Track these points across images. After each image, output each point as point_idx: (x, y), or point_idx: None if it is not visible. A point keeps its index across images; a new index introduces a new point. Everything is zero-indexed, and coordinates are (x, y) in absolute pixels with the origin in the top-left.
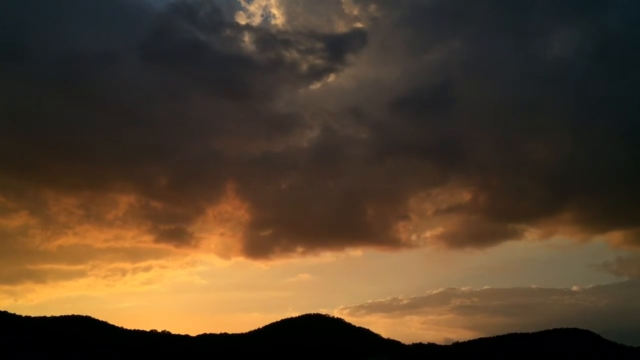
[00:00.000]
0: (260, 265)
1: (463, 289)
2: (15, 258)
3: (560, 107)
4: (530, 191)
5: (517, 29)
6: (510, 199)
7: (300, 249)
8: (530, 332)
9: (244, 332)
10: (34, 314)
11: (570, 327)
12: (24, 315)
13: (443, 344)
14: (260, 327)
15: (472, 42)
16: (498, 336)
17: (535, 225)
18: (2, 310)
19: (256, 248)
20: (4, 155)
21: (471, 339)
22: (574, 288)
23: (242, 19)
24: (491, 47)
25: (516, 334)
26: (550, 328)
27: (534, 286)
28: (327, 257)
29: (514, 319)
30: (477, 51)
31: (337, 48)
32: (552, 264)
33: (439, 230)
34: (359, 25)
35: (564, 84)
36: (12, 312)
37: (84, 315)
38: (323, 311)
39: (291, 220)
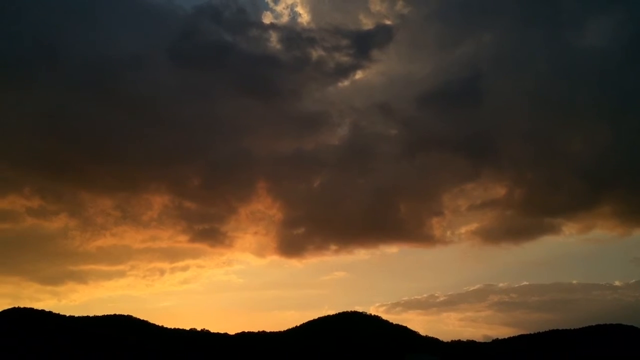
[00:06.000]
0: (295, 264)
1: (501, 285)
2: (57, 259)
3: (595, 98)
4: (566, 185)
5: (548, 19)
6: (546, 192)
7: (333, 247)
8: (572, 328)
9: (282, 330)
10: (77, 313)
11: (614, 322)
12: (67, 315)
13: (482, 340)
14: (298, 325)
15: (502, 35)
16: (539, 333)
17: (572, 220)
18: (47, 310)
19: (290, 246)
20: (41, 159)
21: (511, 335)
22: (617, 283)
23: (267, 19)
24: (522, 39)
25: (558, 330)
26: (593, 324)
27: (574, 281)
28: (361, 255)
29: (554, 315)
30: (508, 43)
31: (363, 44)
32: (592, 259)
33: (474, 225)
34: (386, 21)
35: (599, 74)
36: (57, 312)
37: (125, 314)
38: (359, 309)
39: (323, 218)
